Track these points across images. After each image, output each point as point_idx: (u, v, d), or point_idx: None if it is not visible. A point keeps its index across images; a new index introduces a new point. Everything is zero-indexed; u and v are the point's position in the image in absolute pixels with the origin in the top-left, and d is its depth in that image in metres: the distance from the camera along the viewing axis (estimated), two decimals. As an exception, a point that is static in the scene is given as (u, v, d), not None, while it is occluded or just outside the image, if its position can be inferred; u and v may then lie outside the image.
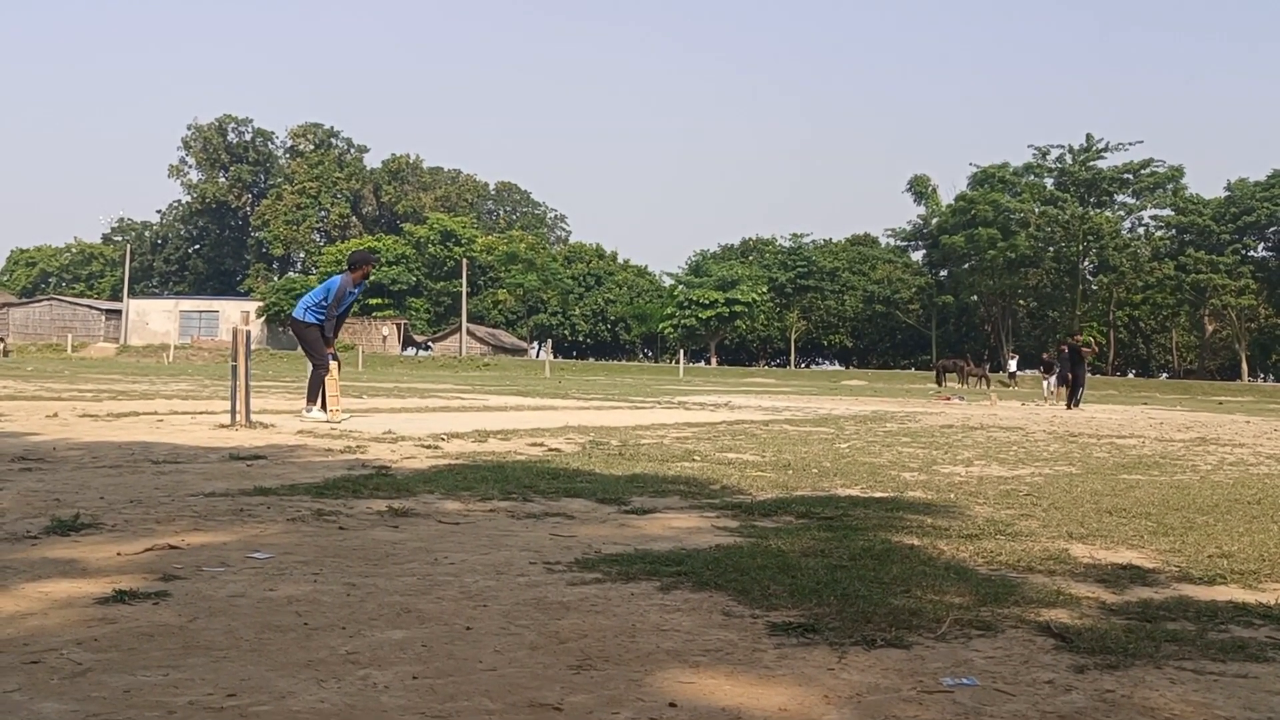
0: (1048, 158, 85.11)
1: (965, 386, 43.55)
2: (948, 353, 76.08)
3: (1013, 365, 58.57)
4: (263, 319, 78.69)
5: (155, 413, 11.53)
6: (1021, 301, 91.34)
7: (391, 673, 2.53)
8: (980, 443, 10.95)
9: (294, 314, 11.53)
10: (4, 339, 67.14)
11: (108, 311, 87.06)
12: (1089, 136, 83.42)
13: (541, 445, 8.76)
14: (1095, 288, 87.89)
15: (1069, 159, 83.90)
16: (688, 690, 2.47)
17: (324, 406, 11.08)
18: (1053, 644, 2.96)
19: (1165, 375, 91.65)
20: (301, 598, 3.27)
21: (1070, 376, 24.86)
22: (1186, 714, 2.39)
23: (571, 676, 2.55)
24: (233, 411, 9.91)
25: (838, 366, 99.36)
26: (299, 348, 12.85)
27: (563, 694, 2.41)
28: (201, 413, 11.75)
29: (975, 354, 76.34)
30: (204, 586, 3.38)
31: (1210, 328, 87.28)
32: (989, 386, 35.64)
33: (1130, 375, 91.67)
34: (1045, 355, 35.04)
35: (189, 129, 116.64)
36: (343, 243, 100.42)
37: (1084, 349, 25.58)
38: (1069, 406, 23.78)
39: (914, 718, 2.31)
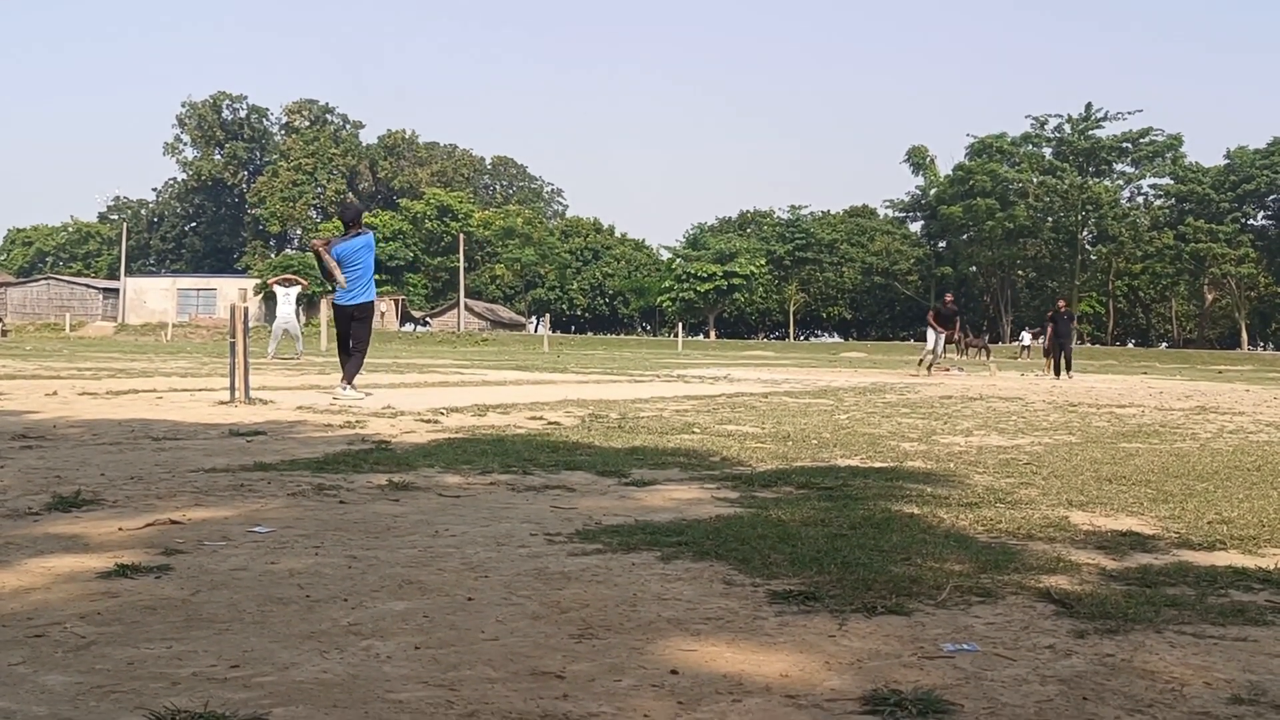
0: (1046, 127, 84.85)
1: (964, 358, 43.60)
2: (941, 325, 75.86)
3: (1026, 338, 58.04)
4: (260, 296, 78.53)
5: (154, 390, 11.53)
6: (1020, 272, 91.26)
7: (394, 643, 2.54)
8: (980, 413, 10.97)
9: (371, 299, 11.12)
10: (2, 319, 67.10)
11: (105, 290, 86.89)
12: (1088, 106, 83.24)
13: (541, 419, 8.76)
14: (1094, 258, 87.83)
15: (1067, 128, 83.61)
16: (689, 658, 2.48)
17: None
18: (1053, 610, 2.98)
19: (1165, 345, 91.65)
20: (303, 570, 3.28)
21: (1058, 345, 24.91)
22: (1186, 677, 2.41)
23: (573, 645, 2.56)
24: (232, 388, 9.92)
25: (836, 339, 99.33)
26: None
27: (565, 662, 2.42)
28: (201, 390, 11.75)
29: (974, 325, 76.22)
30: (206, 560, 3.39)
31: (1210, 297, 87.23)
32: (988, 357, 35.63)
33: (1130, 345, 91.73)
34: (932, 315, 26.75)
35: (184, 106, 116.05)
36: (340, 220, 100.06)
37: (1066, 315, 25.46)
38: (1057, 375, 23.84)
39: (914, 683, 2.32)
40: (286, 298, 23.83)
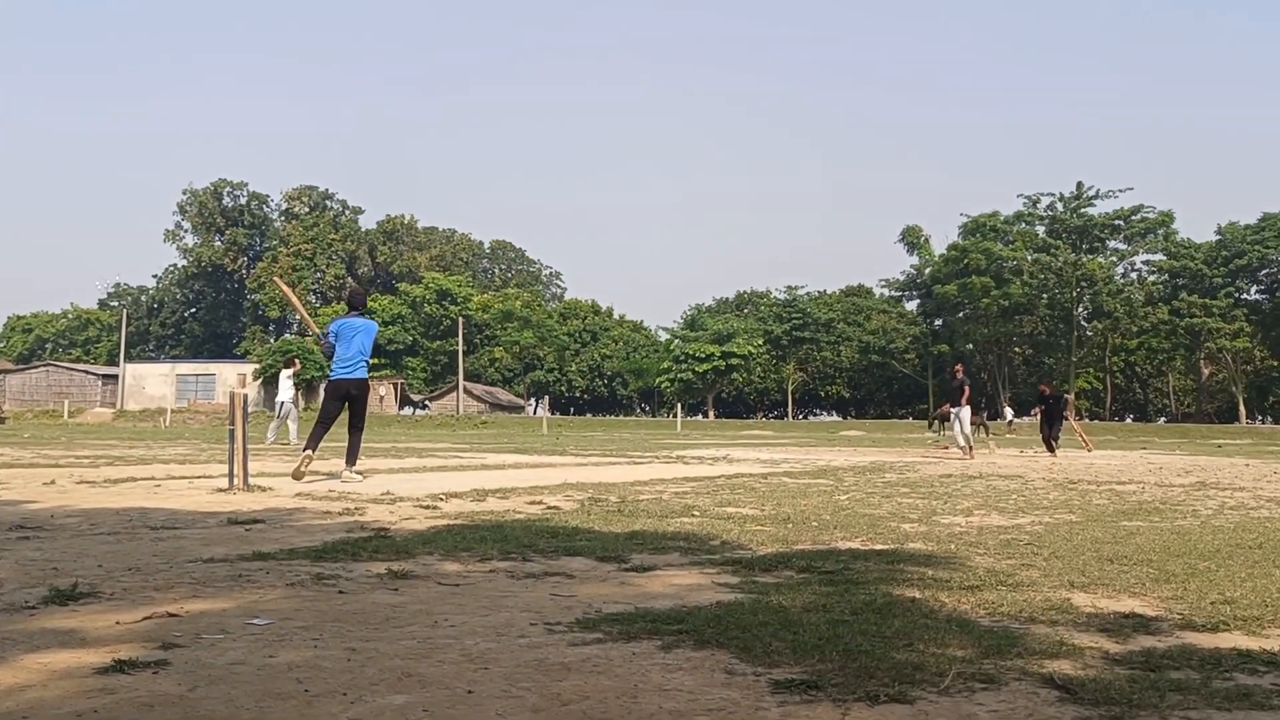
0: (1038, 206, 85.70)
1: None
2: (944, 401, 76.02)
3: (1010, 413, 58.69)
4: (259, 381, 78.68)
5: (153, 478, 11.50)
6: (1017, 349, 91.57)
7: (393, 739, 2.52)
8: (979, 492, 10.94)
9: (363, 376, 11.43)
10: (1, 406, 67.03)
11: (104, 376, 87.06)
12: (1079, 184, 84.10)
13: (540, 503, 8.74)
14: (1090, 333, 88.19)
15: (1060, 206, 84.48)
16: (691, 751, 2.46)
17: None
18: (1056, 695, 2.96)
19: (1163, 419, 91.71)
20: (302, 664, 3.26)
21: (1045, 425, 24.88)
22: (1192, 765, 2.38)
23: (574, 739, 2.54)
24: (230, 475, 9.89)
25: (835, 417, 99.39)
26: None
27: (566, 757, 2.40)
28: (199, 477, 11.72)
29: (973, 403, 76.20)
30: (204, 654, 3.37)
31: (1206, 371, 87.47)
32: (987, 435, 35.58)
33: (1128, 420, 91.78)
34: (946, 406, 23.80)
35: (184, 193, 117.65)
36: (338, 304, 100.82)
37: (1061, 400, 25.42)
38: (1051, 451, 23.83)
39: (919, 774, 2.30)
40: (286, 380, 24.07)
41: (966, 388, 22.13)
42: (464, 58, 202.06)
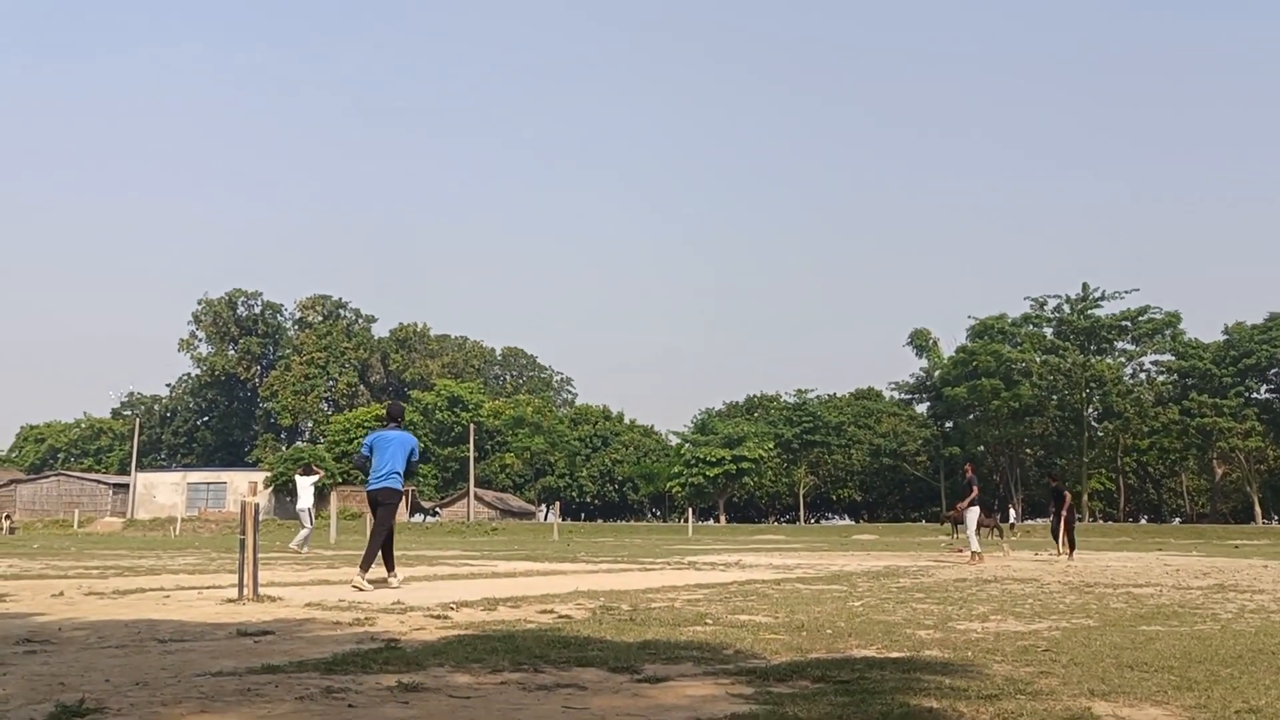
0: (1045, 308, 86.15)
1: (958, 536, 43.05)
2: (957, 503, 75.34)
3: (1012, 515, 58.21)
4: (271, 489, 78.53)
5: (162, 588, 11.43)
6: (1028, 450, 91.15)
7: None
8: (995, 596, 10.81)
9: (392, 486, 11.52)
10: (10, 516, 66.88)
11: (115, 486, 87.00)
12: (1085, 286, 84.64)
13: (552, 612, 8.66)
14: (1101, 434, 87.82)
15: (1066, 308, 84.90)
16: None
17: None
18: (1079, 809, 2.90)
19: (1178, 520, 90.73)
20: (311, 781, 3.22)
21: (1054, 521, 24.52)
22: None
23: None
24: (240, 585, 9.83)
25: (847, 521, 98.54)
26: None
27: None
28: (209, 587, 11.65)
29: (984, 504, 75.60)
30: (212, 771, 3.33)
31: (1220, 471, 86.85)
32: (1001, 537, 35.24)
33: (1143, 521, 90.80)
34: (957, 508, 23.23)
35: (199, 303, 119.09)
36: (350, 411, 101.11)
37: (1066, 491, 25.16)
38: (1070, 555, 23.47)
39: None
40: (305, 487, 24.08)
41: (974, 488, 22.02)
42: (475, 169, 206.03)
